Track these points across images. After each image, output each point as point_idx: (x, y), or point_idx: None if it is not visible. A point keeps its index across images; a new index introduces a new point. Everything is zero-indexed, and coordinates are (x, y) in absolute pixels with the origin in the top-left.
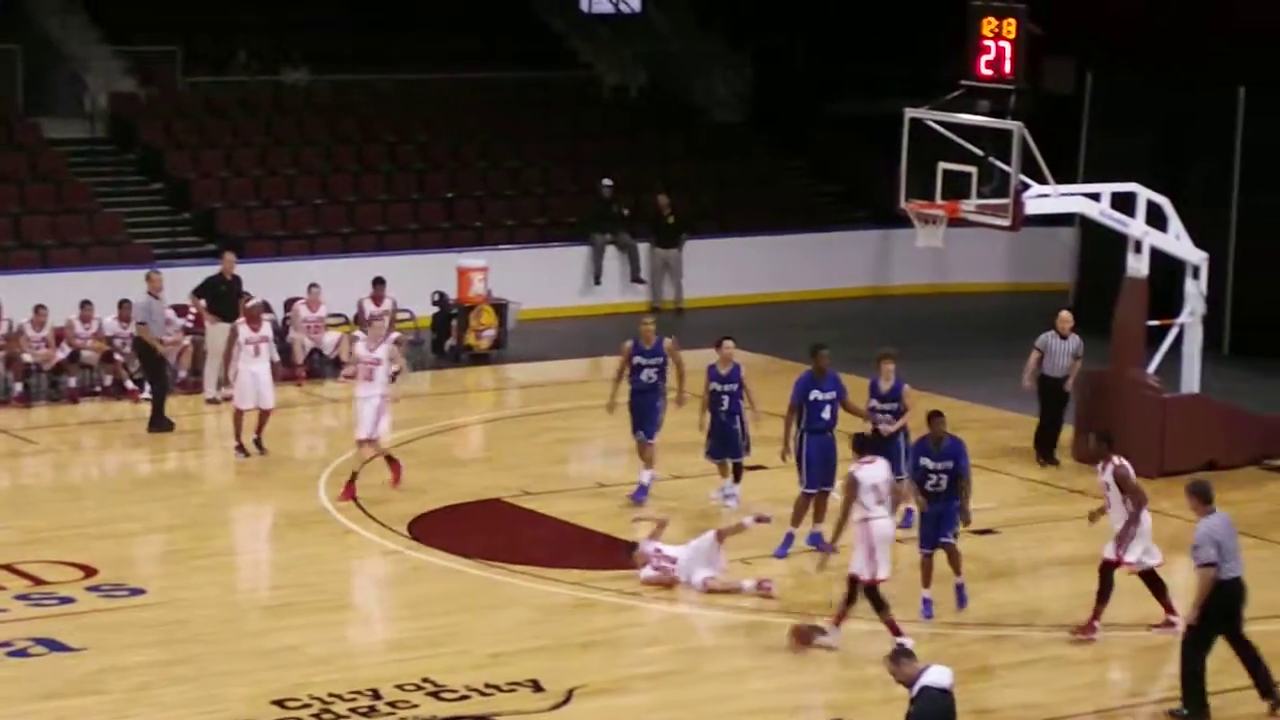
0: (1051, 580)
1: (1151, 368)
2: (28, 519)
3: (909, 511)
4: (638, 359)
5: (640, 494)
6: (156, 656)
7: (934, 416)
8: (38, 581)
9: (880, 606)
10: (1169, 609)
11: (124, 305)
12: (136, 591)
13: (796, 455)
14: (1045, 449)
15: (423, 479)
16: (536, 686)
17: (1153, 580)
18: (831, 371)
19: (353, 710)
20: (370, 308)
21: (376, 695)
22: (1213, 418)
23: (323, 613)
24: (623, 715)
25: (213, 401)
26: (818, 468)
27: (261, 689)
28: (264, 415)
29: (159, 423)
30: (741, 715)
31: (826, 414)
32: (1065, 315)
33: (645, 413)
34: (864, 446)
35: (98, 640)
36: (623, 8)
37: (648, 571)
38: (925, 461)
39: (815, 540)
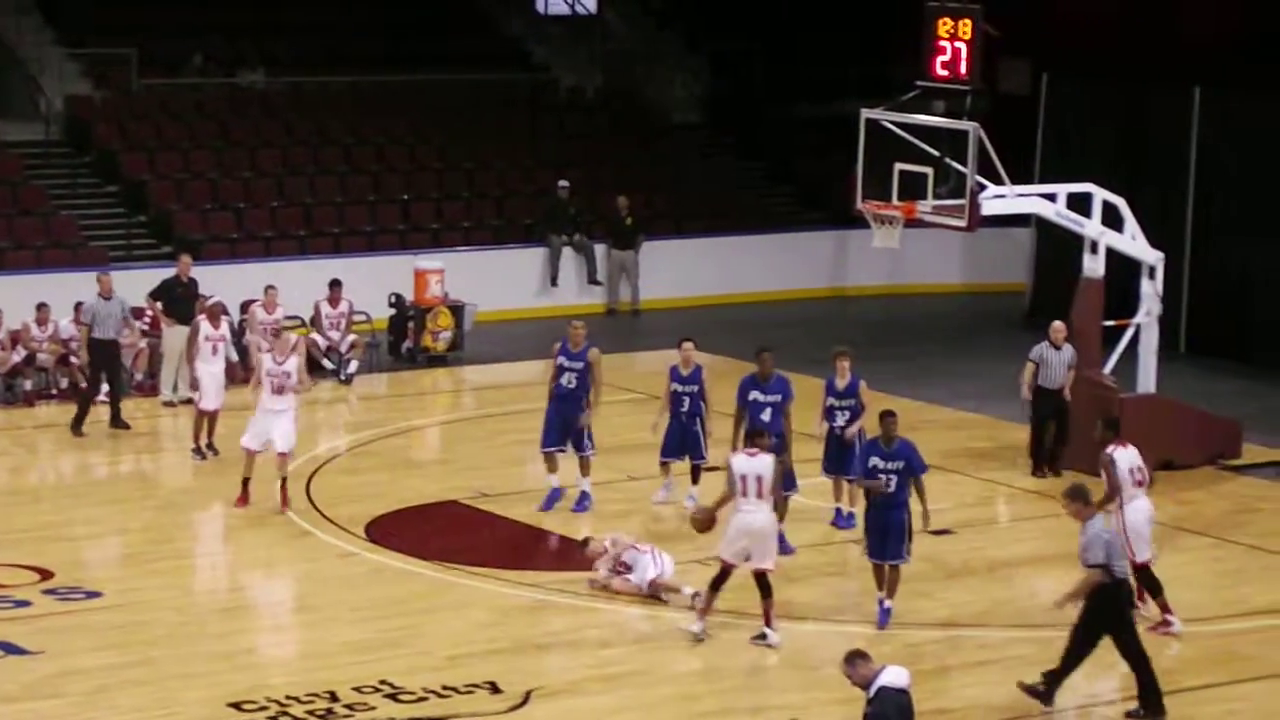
0: (1008, 580)
1: (1108, 368)
2: None
3: (851, 514)
4: (561, 359)
5: (581, 504)
6: (113, 659)
7: (886, 416)
8: None
9: (713, 586)
10: (1165, 608)
11: (80, 308)
12: (93, 594)
13: None
14: (1039, 459)
15: (380, 481)
16: (494, 688)
17: (1150, 579)
18: (779, 376)
19: (310, 713)
20: (327, 309)
21: (334, 698)
22: (1169, 417)
23: (280, 615)
24: (581, 716)
25: (169, 404)
26: None
27: (218, 691)
28: (214, 416)
29: (78, 426)
30: (699, 716)
31: (766, 416)
32: (1058, 325)
33: (557, 421)
34: (750, 437)
35: (54, 643)
36: (578, 9)
37: (602, 571)
38: (875, 461)
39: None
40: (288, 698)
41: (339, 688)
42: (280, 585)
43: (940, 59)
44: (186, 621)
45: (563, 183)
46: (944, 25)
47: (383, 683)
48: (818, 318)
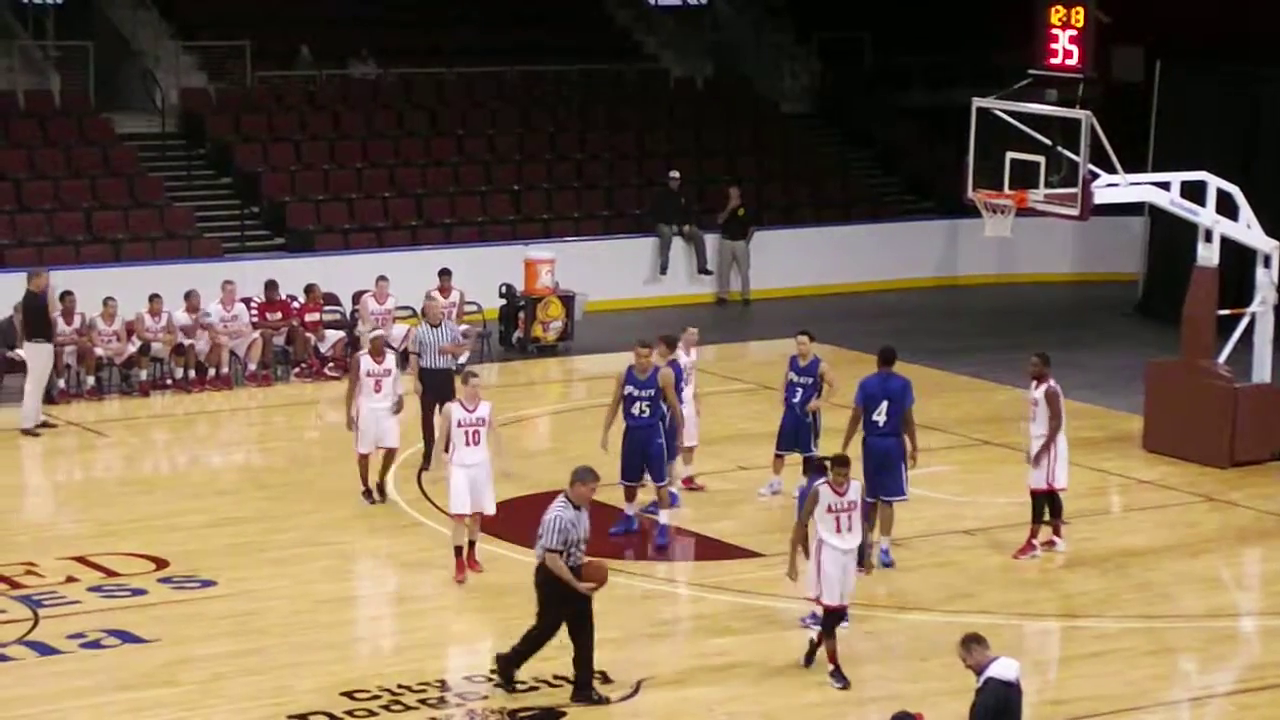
0: (1123, 570)
1: (1222, 357)
2: (100, 512)
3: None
4: (630, 389)
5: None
6: (227, 648)
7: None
8: (110, 573)
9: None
10: (1057, 530)
11: (191, 296)
12: (207, 583)
13: None
14: None
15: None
16: (605, 678)
17: (1056, 503)
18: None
19: (421, 701)
20: (438, 299)
21: (445, 686)
22: None
23: (392, 605)
24: (691, 707)
25: (29, 433)
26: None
27: (331, 680)
28: (388, 455)
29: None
30: (809, 707)
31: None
32: None
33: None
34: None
35: (169, 632)
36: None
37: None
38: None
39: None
40: (400, 686)
41: (450, 676)
42: (392, 575)
43: (1052, 46)
44: (299, 611)
45: (673, 173)
46: (1056, 13)
47: (495, 672)
48: (927, 307)
